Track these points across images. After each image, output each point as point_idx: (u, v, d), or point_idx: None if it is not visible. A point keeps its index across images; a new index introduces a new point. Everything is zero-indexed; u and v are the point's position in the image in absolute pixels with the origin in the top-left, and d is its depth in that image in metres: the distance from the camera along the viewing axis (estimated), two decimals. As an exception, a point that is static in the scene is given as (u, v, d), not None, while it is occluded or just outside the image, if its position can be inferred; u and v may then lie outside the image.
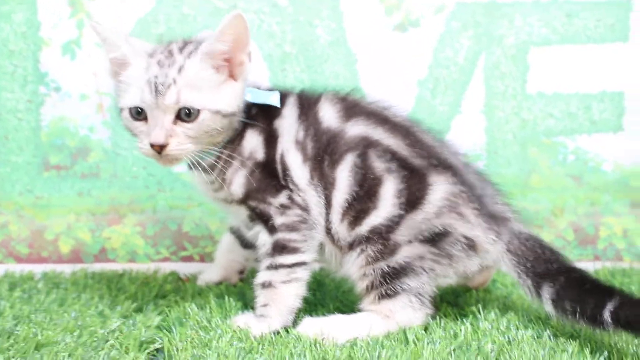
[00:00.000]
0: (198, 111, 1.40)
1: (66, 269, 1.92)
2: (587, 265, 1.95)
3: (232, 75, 1.44)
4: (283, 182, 1.47)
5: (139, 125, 1.42)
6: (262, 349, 1.34)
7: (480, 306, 1.58)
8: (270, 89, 1.53)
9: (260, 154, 1.48)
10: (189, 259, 1.98)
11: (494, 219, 1.49)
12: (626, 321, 1.26)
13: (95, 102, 1.91)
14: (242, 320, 1.46)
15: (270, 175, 1.47)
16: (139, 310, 1.61)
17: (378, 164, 1.46)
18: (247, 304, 1.61)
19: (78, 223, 1.94)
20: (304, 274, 1.48)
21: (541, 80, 1.99)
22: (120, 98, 1.44)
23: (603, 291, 1.34)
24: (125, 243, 1.95)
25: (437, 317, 1.51)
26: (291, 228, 1.46)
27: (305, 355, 1.29)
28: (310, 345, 1.35)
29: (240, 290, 1.75)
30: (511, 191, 1.96)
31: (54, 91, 1.91)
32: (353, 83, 1.95)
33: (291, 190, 1.46)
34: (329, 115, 1.50)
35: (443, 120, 1.97)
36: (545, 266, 1.43)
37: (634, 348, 1.33)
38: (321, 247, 1.50)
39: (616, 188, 2.02)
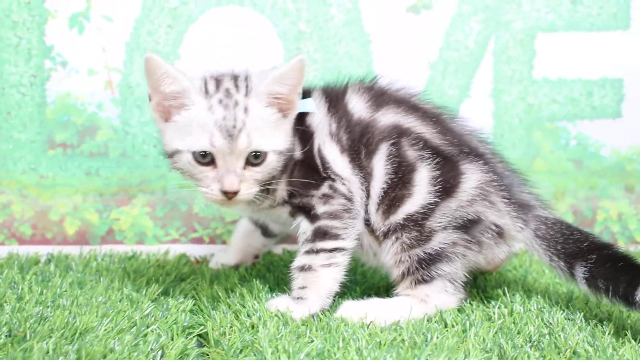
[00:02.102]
0: (265, 154, 1.37)
1: (72, 250, 1.86)
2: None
3: (281, 111, 1.41)
4: (324, 174, 1.46)
5: (204, 170, 1.36)
6: (310, 332, 1.34)
7: (505, 288, 1.62)
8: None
9: (297, 154, 1.47)
10: (198, 240, 1.94)
11: (521, 207, 1.52)
12: None
13: (104, 78, 1.84)
14: (281, 303, 1.45)
15: (310, 170, 1.46)
16: (165, 293, 1.57)
17: (411, 152, 1.47)
18: (272, 287, 1.61)
19: (85, 204, 1.87)
20: (343, 259, 1.47)
21: (547, 66, 2.03)
22: (176, 140, 1.37)
23: (637, 271, 1.37)
24: (134, 224, 1.90)
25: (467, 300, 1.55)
26: (333, 216, 1.46)
27: (358, 339, 1.29)
28: (359, 328, 1.36)
29: (260, 273, 1.74)
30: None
31: (60, 66, 1.83)
32: (366, 64, 1.95)
33: (333, 180, 1.46)
34: (358, 106, 1.50)
35: (453, 104, 1.99)
36: (576, 246, 1.46)
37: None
38: (359, 238, 1.50)
39: (613, 173, 2.09)
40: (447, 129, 1.53)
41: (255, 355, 1.23)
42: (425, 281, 1.47)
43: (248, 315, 1.41)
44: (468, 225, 1.48)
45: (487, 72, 2.00)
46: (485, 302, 1.55)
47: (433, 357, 1.20)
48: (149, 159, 1.89)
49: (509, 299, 1.55)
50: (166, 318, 1.40)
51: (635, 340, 1.32)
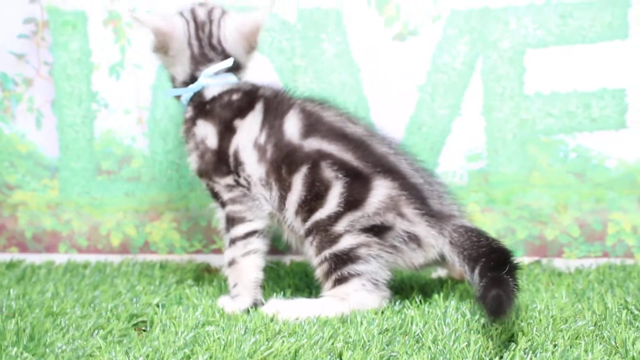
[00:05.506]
0: None
1: (115, 259, 2.25)
2: (594, 262, 2.03)
3: None
4: (232, 170, 1.72)
5: None
6: (219, 320, 1.58)
7: (442, 294, 1.72)
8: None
9: (212, 142, 1.73)
10: (217, 251, 2.24)
11: (438, 217, 1.66)
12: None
13: (136, 115, 2.23)
14: (221, 300, 1.72)
15: (220, 161, 1.73)
16: (153, 292, 1.89)
17: (328, 173, 1.67)
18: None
19: (125, 220, 2.26)
20: (258, 244, 1.73)
21: (538, 81, 2.06)
22: None
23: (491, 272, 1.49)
24: (164, 237, 2.25)
25: (396, 303, 1.68)
26: (235, 201, 1.72)
27: (248, 326, 1.51)
28: (261, 320, 1.57)
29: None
30: (512, 188, 2.08)
31: (103, 107, 2.24)
32: (357, 91, 2.13)
33: (238, 176, 1.72)
34: (292, 130, 1.72)
35: (444, 122, 2.10)
36: (478, 251, 1.59)
37: (550, 335, 1.43)
38: (282, 233, 1.77)
39: (622, 184, 2.05)
40: (369, 152, 1.70)
41: (163, 331, 1.51)
42: (342, 281, 1.65)
43: (192, 309, 1.68)
44: (377, 230, 1.65)
45: (476, 90, 2.09)
46: (416, 304, 1.67)
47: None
48: (173, 182, 2.22)
49: (440, 303, 1.66)
50: (130, 308, 1.72)
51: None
